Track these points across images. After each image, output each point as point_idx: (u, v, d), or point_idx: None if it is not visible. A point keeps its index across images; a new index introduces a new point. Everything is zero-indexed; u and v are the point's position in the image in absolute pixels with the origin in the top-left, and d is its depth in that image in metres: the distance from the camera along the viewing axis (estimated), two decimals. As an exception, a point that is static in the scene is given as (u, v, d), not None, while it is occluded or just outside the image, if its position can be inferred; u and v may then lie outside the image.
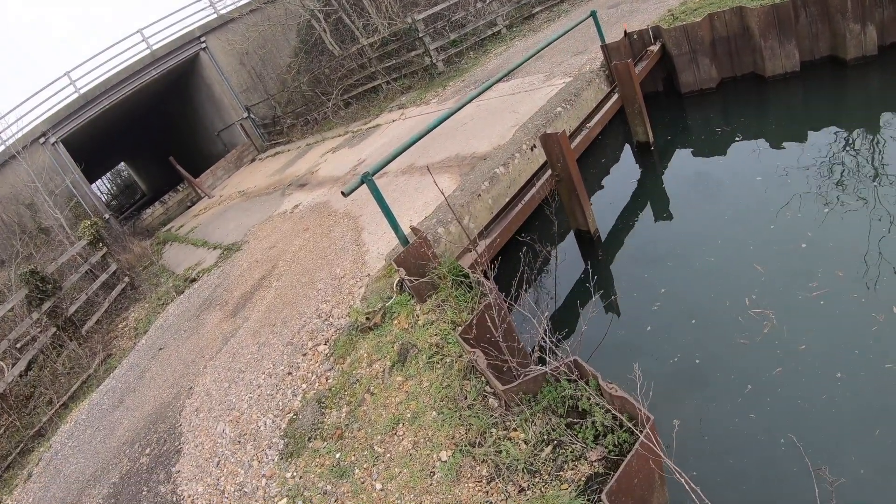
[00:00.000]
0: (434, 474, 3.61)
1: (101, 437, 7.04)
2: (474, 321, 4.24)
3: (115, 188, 57.12)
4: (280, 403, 5.24)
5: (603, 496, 2.74)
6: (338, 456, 4.22)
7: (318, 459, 4.32)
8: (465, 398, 4.00)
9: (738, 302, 5.04)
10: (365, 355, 5.07)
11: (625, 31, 9.38)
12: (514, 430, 3.57)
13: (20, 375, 9.75)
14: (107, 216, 21.05)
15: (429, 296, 5.19)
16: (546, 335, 4.03)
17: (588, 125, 8.12)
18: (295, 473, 4.34)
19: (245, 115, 23.60)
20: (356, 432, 4.34)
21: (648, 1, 11.77)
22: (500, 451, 3.45)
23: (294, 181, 14.27)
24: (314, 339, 5.91)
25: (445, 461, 3.64)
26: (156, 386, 7.40)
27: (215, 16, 22.83)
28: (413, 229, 6.00)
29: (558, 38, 8.69)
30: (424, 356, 4.57)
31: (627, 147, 9.22)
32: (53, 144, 20.43)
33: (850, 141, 6.81)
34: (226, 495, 4.58)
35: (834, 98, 7.97)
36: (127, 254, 16.10)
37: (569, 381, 3.45)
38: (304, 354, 5.75)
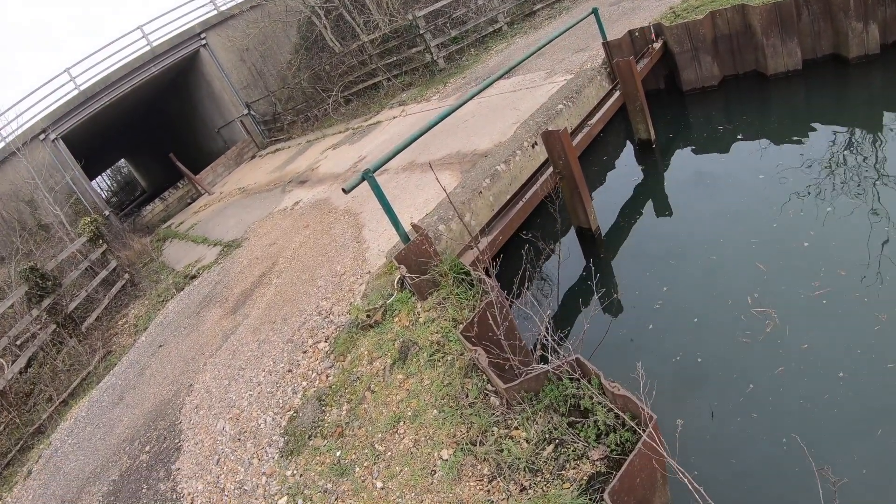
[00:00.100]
0: (435, 473, 3.59)
1: (100, 434, 7.03)
2: (476, 319, 4.22)
3: (115, 185, 57.06)
4: (280, 401, 5.22)
5: (605, 496, 2.72)
6: (338, 454, 4.20)
7: (318, 457, 4.31)
8: (467, 396, 3.99)
9: (741, 301, 5.02)
10: (366, 353, 5.05)
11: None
12: (516, 428, 3.55)
13: (20, 372, 9.74)
14: (107, 213, 21.03)
15: (430, 293, 5.17)
16: (548, 333, 4.02)
17: (589, 123, 8.09)
18: (295, 471, 4.33)
19: (245, 111, 23.56)
20: (357, 430, 4.32)
21: (650, -2, 11.75)
22: (502, 450, 3.44)
23: (294, 178, 14.25)
24: (314, 336, 5.89)
25: (446, 460, 3.62)
26: (156, 383, 7.38)
27: (215, 12, 22.77)
28: (414, 226, 5.98)
29: (560, 35, 8.65)
30: (425, 354, 4.55)
31: (629, 145, 9.20)
32: (53, 141, 20.40)
33: (853, 140, 6.79)
34: (226, 493, 4.57)
35: (836, 97, 7.94)
36: (127, 250, 16.09)
37: (571, 379, 3.44)
38: (305, 352, 5.73)
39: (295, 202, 11.74)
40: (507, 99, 10.13)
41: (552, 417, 3.45)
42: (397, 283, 5.63)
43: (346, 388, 4.82)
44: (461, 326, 4.25)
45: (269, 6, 22.73)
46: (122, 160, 52.00)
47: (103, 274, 12.83)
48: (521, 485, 3.22)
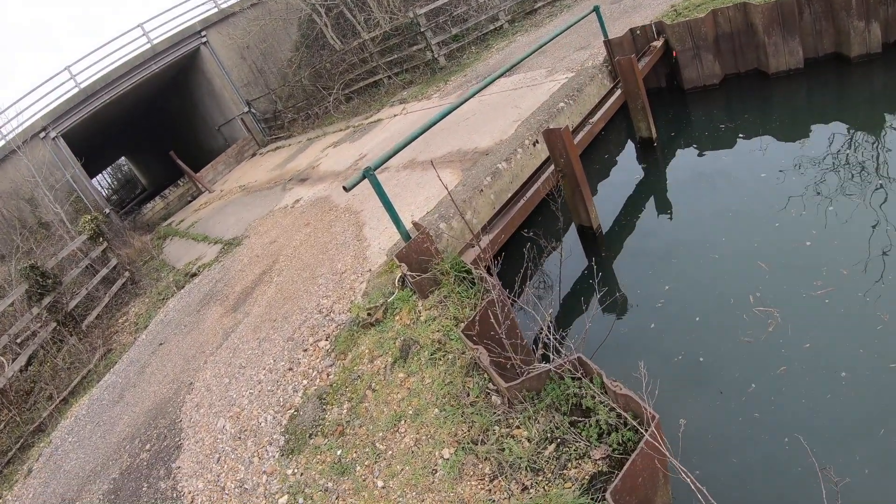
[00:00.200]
0: (436, 472, 3.58)
1: (101, 432, 7.02)
2: (477, 317, 4.22)
3: (115, 183, 57.04)
4: (281, 399, 5.22)
5: (607, 495, 2.71)
6: (339, 453, 4.20)
7: (319, 456, 4.30)
8: (468, 395, 3.98)
9: (743, 300, 5.01)
10: (366, 351, 5.04)
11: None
12: (517, 427, 3.54)
13: (20, 371, 9.74)
14: (107, 211, 21.03)
15: (431, 291, 5.16)
16: (549, 332, 4.00)
17: (591, 121, 8.08)
18: (296, 470, 4.32)
19: (246, 109, 23.54)
20: (357, 429, 4.31)
21: (651, -4, 11.71)
22: (503, 449, 3.43)
23: (295, 176, 14.24)
24: (315, 334, 5.88)
25: (448, 459, 3.61)
26: (156, 381, 7.38)
27: (216, 10, 22.75)
28: (415, 224, 5.97)
29: (561, 33, 8.63)
30: (426, 353, 4.54)
31: (630, 143, 9.18)
32: (54, 139, 20.39)
33: (854, 139, 6.77)
34: (226, 492, 4.56)
35: (838, 96, 7.92)
36: (127, 248, 16.09)
37: (573, 378, 3.43)
38: (305, 350, 5.72)
39: (295, 200, 11.73)
40: (509, 97, 10.11)
41: (554, 416, 3.44)
42: (398, 281, 5.62)
43: (346, 387, 4.81)
44: (462, 325, 4.24)
45: (270, 4, 22.71)
46: (123, 158, 52.02)
47: (104, 272, 12.82)
48: (523, 484, 3.21)
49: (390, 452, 3.94)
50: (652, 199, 7.49)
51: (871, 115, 7.14)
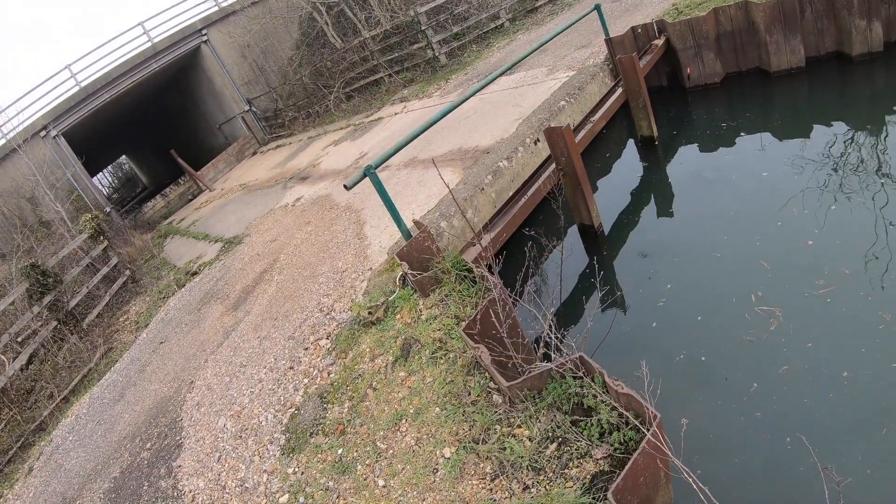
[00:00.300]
0: (437, 471, 3.58)
1: (101, 431, 7.02)
2: (478, 316, 4.21)
3: (116, 181, 57.04)
4: (282, 398, 5.21)
5: (609, 495, 2.71)
6: (340, 452, 4.19)
7: (319, 455, 4.29)
8: (469, 394, 3.97)
9: (745, 299, 5.00)
10: (367, 350, 5.04)
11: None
12: (519, 426, 3.53)
13: (21, 369, 9.74)
14: (108, 209, 21.03)
15: (432, 290, 5.15)
16: (551, 331, 4.00)
17: (592, 119, 8.06)
18: (297, 469, 4.31)
19: (246, 107, 23.53)
20: (358, 428, 4.31)
21: (653, -6, 11.69)
22: (504, 449, 3.42)
23: (296, 174, 14.23)
24: (316, 333, 5.88)
25: (449, 458, 3.61)
26: (157, 380, 7.38)
27: (216, 8, 22.74)
28: (416, 223, 5.96)
29: (562, 31, 8.61)
30: (427, 351, 4.54)
31: (631, 142, 9.17)
32: (54, 138, 20.39)
33: (856, 138, 6.76)
34: (227, 491, 4.56)
35: (839, 94, 7.90)
36: (128, 247, 16.09)
37: (574, 377, 3.42)
38: (306, 349, 5.72)
39: (296, 198, 11.72)
40: (510, 95, 10.10)
41: (555, 416, 3.43)
42: (399, 279, 5.61)
43: (347, 386, 4.81)
44: (464, 324, 4.23)
45: (271, 2, 22.70)
46: (124, 157, 52.00)
47: (104, 270, 12.83)
48: (524, 483, 3.21)
49: (391, 451, 3.93)
50: (653, 198, 7.48)
51: (873, 113, 7.12)
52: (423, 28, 16.22)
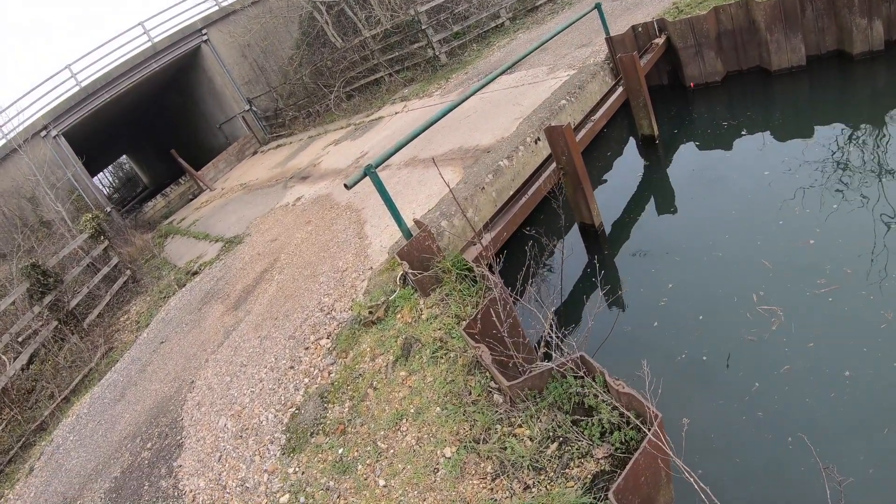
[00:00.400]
0: (438, 471, 3.57)
1: (102, 431, 7.02)
2: (479, 315, 4.20)
3: (116, 181, 57.05)
4: (282, 398, 5.21)
5: (610, 494, 2.70)
6: (340, 451, 4.19)
7: (320, 455, 4.29)
8: (470, 394, 3.96)
9: (746, 298, 4.99)
10: (368, 350, 5.03)
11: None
12: (520, 426, 3.53)
13: (22, 369, 9.74)
14: (108, 209, 21.03)
15: (433, 289, 5.14)
16: (551, 330, 3.99)
17: (593, 118, 8.05)
18: (297, 469, 4.31)
19: (247, 107, 23.52)
20: (359, 428, 4.30)
21: (653, -7, 11.68)
22: (505, 448, 3.42)
23: (296, 174, 14.22)
24: (316, 332, 5.87)
25: (449, 458, 3.60)
26: (157, 380, 7.37)
27: (217, 8, 22.73)
28: (416, 222, 5.96)
29: (562, 30, 8.61)
30: (428, 351, 4.53)
31: (632, 140, 9.15)
32: (55, 137, 20.38)
33: (857, 136, 6.74)
34: (227, 490, 4.55)
35: (840, 93, 7.88)
36: (129, 247, 16.09)
37: (575, 377, 3.41)
38: (307, 348, 5.71)
39: (297, 198, 11.72)
40: (510, 94, 10.08)
41: (556, 415, 3.43)
42: (400, 279, 5.61)
43: (348, 385, 4.80)
44: (464, 323, 4.22)
45: (271, 2, 22.70)
46: (124, 156, 52.02)
47: (105, 270, 12.82)
48: (525, 483, 3.20)
49: (392, 451, 3.93)
50: (654, 197, 7.47)
51: (874, 112, 7.11)
52: (423, 27, 16.20)
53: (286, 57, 23.55)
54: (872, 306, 4.44)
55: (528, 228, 6.47)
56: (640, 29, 9.23)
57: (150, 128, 36.58)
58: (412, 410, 4.13)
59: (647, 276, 6.03)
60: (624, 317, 5.65)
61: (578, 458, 3.18)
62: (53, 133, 20.28)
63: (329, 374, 5.12)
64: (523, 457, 3.30)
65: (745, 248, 5.65)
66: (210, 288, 9.57)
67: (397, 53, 17.46)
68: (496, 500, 3.20)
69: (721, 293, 5.26)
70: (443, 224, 6.38)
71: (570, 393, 3.40)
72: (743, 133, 7.80)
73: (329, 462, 4.16)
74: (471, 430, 3.70)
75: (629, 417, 3.10)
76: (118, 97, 21.82)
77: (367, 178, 5.39)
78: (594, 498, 2.92)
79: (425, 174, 8.27)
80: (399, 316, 5.19)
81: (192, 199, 22.14)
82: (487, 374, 4.01)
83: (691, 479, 2.67)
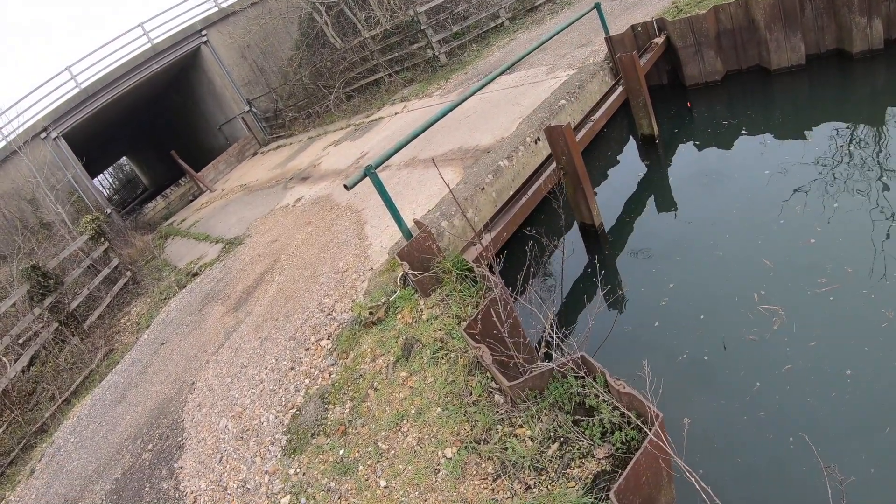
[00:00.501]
0: (439, 471, 3.57)
1: (103, 432, 7.02)
2: (479, 316, 4.20)
3: (116, 182, 57.05)
4: (283, 399, 5.20)
5: (611, 494, 2.70)
6: (341, 452, 4.18)
7: (321, 456, 4.29)
8: (471, 394, 3.96)
9: (747, 298, 4.98)
10: (368, 350, 5.03)
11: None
12: (520, 426, 3.53)
13: (22, 371, 9.74)
14: (108, 211, 21.03)
15: (433, 290, 5.14)
16: (552, 330, 3.99)
17: (592, 118, 8.05)
18: (298, 470, 4.31)
19: (247, 108, 23.53)
20: (360, 428, 4.30)
21: (653, -7, 11.67)
22: (506, 449, 3.41)
23: (296, 175, 14.22)
24: (317, 333, 5.87)
25: (450, 458, 3.60)
26: (158, 381, 7.37)
27: (216, 9, 22.73)
28: (416, 223, 5.96)
29: (562, 30, 8.60)
30: (429, 351, 4.53)
31: (632, 140, 9.15)
32: (55, 139, 20.38)
33: (857, 135, 6.74)
34: (228, 492, 4.55)
35: (840, 92, 7.88)
36: (129, 248, 16.08)
37: (576, 377, 3.41)
38: (307, 349, 5.71)
39: (297, 199, 11.72)
40: (510, 94, 10.08)
41: (557, 415, 3.43)
42: (400, 279, 5.61)
43: (349, 386, 4.80)
44: (465, 324, 4.22)
45: (270, 3, 22.69)
46: (124, 158, 52.02)
47: (105, 272, 12.82)
48: (526, 483, 3.20)
49: (393, 452, 3.92)
50: (654, 197, 7.47)
51: (874, 111, 7.11)
52: (422, 27, 16.20)
53: (286, 58, 23.56)
54: (873, 305, 4.43)
55: (528, 228, 6.47)
56: (639, 28, 9.23)
57: (150, 129, 36.59)
58: (413, 411, 4.13)
59: (647, 276, 6.03)
60: (624, 317, 5.64)
61: (579, 458, 3.18)
62: (53, 135, 20.28)
63: (330, 374, 5.11)
64: (524, 457, 3.30)
65: (745, 247, 5.65)
66: (210, 289, 9.57)
67: (397, 54, 17.46)
68: (497, 500, 3.19)
69: (722, 293, 5.25)
70: (443, 224, 6.38)
71: (571, 393, 3.40)
72: (743, 132, 7.80)
73: (330, 463, 4.16)
74: (472, 430, 3.70)
75: (630, 417, 3.10)
76: (118, 98, 21.83)
77: (368, 179, 5.38)
78: (595, 498, 2.91)
79: (425, 174, 8.26)
80: (399, 316, 5.19)
81: (192, 201, 22.14)
82: (488, 374, 4.01)
83: (692, 479, 2.67)
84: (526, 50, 7.92)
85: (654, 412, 2.93)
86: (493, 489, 3.28)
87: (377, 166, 5.40)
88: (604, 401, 3.22)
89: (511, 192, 6.87)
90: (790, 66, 8.34)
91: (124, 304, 12.26)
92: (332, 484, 3.97)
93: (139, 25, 21.85)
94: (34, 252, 15.79)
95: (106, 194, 39.00)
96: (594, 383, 3.29)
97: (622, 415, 3.15)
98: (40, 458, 7.48)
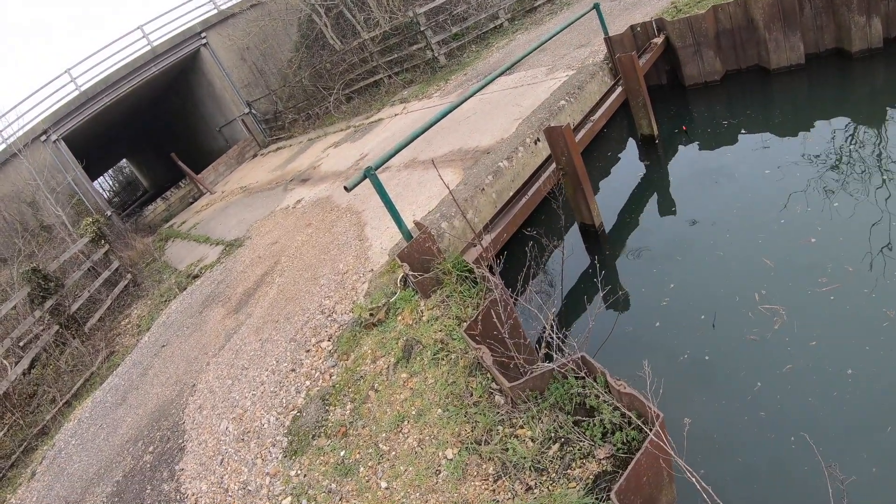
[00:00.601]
0: (440, 472, 3.57)
1: (104, 434, 7.02)
2: (479, 317, 4.20)
3: (117, 185, 57.08)
4: (284, 401, 5.20)
5: (612, 495, 2.70)
6: (342, 454, 4.18)
7: (322, 457, 4.28)
8: (471, 395, 3.96)
9: (748, 297, 4.98)
10: (369, 352, 5.03)
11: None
12: (521, 427, 3.52)
13: (23, 374, 9.74)
14: (109, 213, 21.04)
15: (433, 291, 5.14)
16: (552, 331, 3.99)
17: (592, 118, 8.05)
18: (299, 471, 4.31)
19: (246, 110, 23.54)
20: (361, 430, 4.30)
21: (652, -7, 11.68)
22: (507, 449, 3.41)
23: (296, 176, 14.23)
24: (317, 335, 5.87)
25: (451, 459, 3.60)
26: (159, 383, 7.37)
27: (216, 11, 22.76)
28: (416, 224, 5.96)
29: (561, 30, 8.61)
30: (429, 353, 4.53)
31: (632, 140, 9.15)
32: (55, 142, 20.40)
33: (857, 134, 6.74)
34: (230, 494, 4.55)
35: (839, 91, 7.88)
36: (129, 251, 16.09)
37: (576, 377, 3.41)
38: (308, 351, 5.71)
39: (297, 200, 11.72)
40: (509, 95, 10.09)
41: (557, 416, 3.42)
42: (400, 281, 5.61)
43: (349, 388, 4.80)
44: (465, 325, 4.22)
45: (270, 5, 22.71)
46: (124, 160, 52.06)
47: (106, 274, 12.83)
48: (527, 484, 3.20)
49: (393, 453, 3.92)
50: (654, 197, 7.47)
51: (874, 110, 7.11)
52: (422, 29, 16.22)
53: (285, 59, 23.57)
54: (874, 304, 4.43)
55: (528, 229, 6.46)
56: (638, 29, 9.23)
57: (150, 131, 36.61)
58: (414, 412, 4.13)
59: (648, 276, 6.02)
60: (625, 317, 5.64)
61: (580, 458, 3.18)
62: (53, 137, 20.30)
63: (330, 376, 5.11)
64: (525, 458, 3.30)
65: (746, 247, 5.65)
66: (211, 291, 9.57)
67: (396, 55, 17.47)
68: (498, 501, 3.19)
69: (723, 292, 5.25)
70: (443, 225, 6.38)
71: (572, 393, 3.40)
72: (742, 132, 7.80)
73: (331, 464, 4.16)
74: (472, 431, 3.70)
75: (631, 418, 3.10)
76: (118, 101, 21.85)
77: (368, 181, 5.39)
78: (596, 498, 2.91)
79: (425, 176, 8.27)
80: (400, 318, 5.19)
81: (192, 203, 22.15)
82: (488, 375, 4.01)
83: (693, 479, 2.66)
84: (525, 51, 7.93)
85: (654, 412, 2.93)
86: (494, 490, 3.28)
87: (377, 168, 5.40)
88: (604, 401, 3.22)
89: (511, 193, 6.88)
90: (789, 66, 8.34)
91: (125, 307, 12.27)
92: (334, 485, 3.97)
93: (139, 28, 21.89)
94: (35, 255, 15.80)
95: (106, 197, 39.07)
96: (595, 384, 3.29)
97: (623, 415, 3.15)
98: (41, 460, 7.48)
